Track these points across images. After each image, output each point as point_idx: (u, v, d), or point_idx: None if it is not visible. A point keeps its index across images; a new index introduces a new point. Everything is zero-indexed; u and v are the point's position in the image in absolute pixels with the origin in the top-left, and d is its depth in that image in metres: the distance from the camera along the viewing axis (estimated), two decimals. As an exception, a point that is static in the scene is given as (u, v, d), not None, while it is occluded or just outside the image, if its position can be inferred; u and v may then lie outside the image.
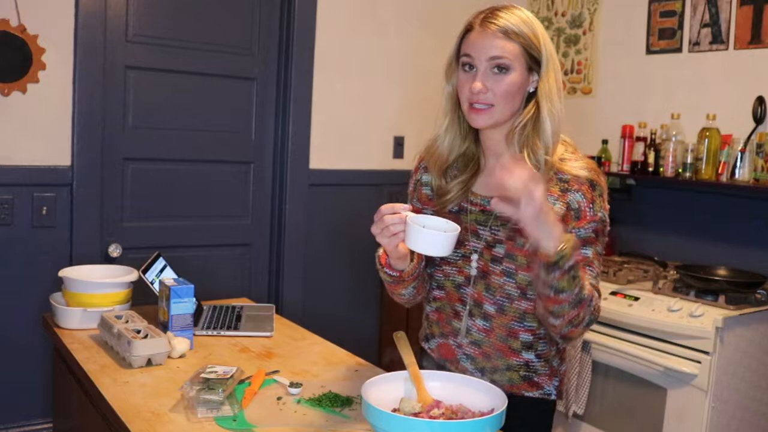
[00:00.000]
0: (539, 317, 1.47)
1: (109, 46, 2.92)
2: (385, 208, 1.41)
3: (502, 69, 1.44)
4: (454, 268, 1.57)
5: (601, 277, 1.59)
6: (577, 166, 1.48)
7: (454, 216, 1.55)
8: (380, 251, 1.55)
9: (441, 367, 1.59)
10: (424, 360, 1.68)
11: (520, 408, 1.51)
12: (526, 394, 1.56)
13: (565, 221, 1.44)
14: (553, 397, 1.58)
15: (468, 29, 1.48)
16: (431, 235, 1.36)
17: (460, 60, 1.50)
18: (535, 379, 1.55)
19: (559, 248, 1.28)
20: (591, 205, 1.45)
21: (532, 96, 1.50)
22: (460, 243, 1.51)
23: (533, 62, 1.47)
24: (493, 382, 1.47)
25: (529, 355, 1.54)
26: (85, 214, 2.88)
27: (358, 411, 1.47)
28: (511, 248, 1.48)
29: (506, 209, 1.28)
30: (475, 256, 1.53)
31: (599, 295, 1.45)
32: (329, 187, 3.48)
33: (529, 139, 1.47)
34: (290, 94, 3.32)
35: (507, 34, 1.44)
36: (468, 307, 1.55)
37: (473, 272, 1.54)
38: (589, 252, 1.45)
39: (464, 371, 1.57)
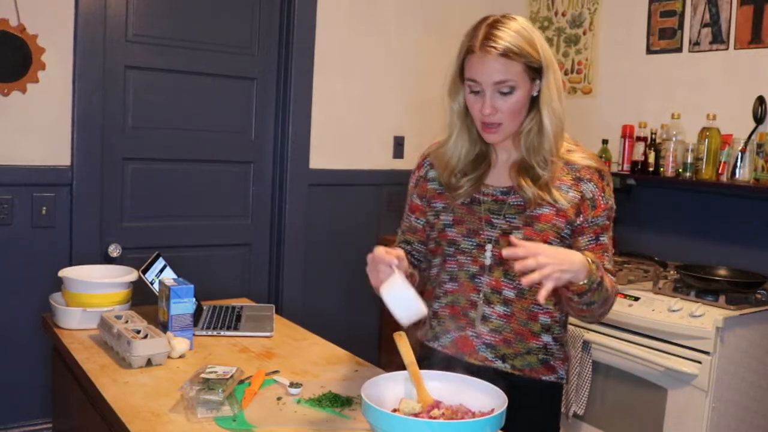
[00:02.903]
0: (569, 312, 1.59)
1: (108, 46, 2.92)
2: (378, 253, 1.44)
3: (508, 91, 1.48)
4: (468, 258, 1.59)
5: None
6: (585, 156, 1.59)
7: (467, 207, 1.59)
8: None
9: (453, 362, 1.59)
10: (430, 359, 1.67)
11: (537, 392, 1.61)
12: (543, 378, 1.61)
13: (581, 210, 1.55)
14: (564, 380, 1.66)
15: (469, 51, 1.49)
16: (406, 298, 1.38)
17: (466, 82, 1.52)
18: (551, 363, 1.62)
19: (588, 276, 1.42)
20: (603, 194, 1.57)
21: (535, 99, 1.54)
22: (474, 232, 1.58)
23: (535, 72, 1.50)
24: (513, 367, 1.59)
25: (547, 338, 1.60)
26: (84, 214, 2.88)
27: (358, 411, 1.47)
28: (531, 233, 1.54)
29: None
30: (489, 245, 1.57)
31: (614, 275, 1.58)
32: (329, 187, 3.48)
33: (534, 141, 1.54)
34: (290, 94, 3.32)
35: (508, 56, 1.45)
36: (483, 295, 1.58)
37: (488, 261, 1.57)
38: (605, 238, 1.58)
39: (483, 360, 1.59)
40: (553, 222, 1.54)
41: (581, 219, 1.55)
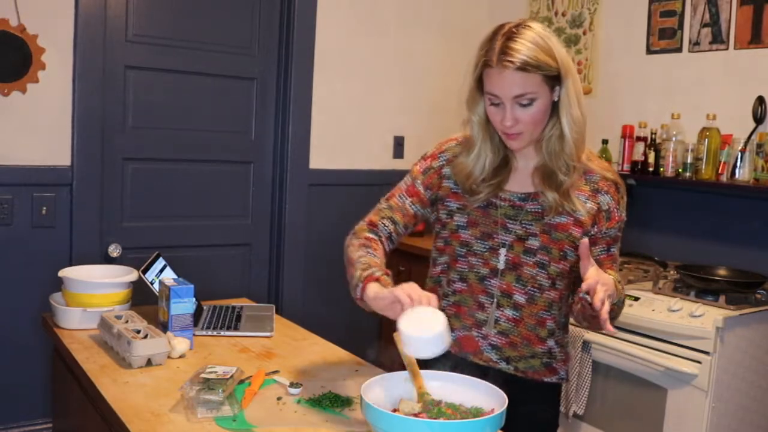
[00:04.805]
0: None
1: (108, 46, 2.92)
2: (409, 297, 1.38)
3: (528, 102, 1.48)
4: (480, 260, 1.60)
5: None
6: (602, 167, 1.61)
7: (482, 210, 1.60)
8: (365, 274, 1.48)
9: (455, 361, 1.59)
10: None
11: (539, 393, 1.63)
12: (545, 380, 1.63)
13: (597, 221, 1.58)
14: (564, 380, 1.67)
15: (486, 65, 1.48)
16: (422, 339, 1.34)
17: (486, 95, 1.52)
18: (554, 365, 1.63)
19: (618, 297, 1.48)
20: (618, 206, 1.60)
21: (557, 104, 1.53)
22: (488, 236, 1.58)
23: (554, 80, 1.49)
24: (516, 369, 1.60)
25: (551, 343, 1.62)
26: (85, 214, 2.88)
27: (358, 411, 1.47)
28: (547, 241, 1.55)
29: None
30: (503, 250, 1.57)
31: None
32: (329, 187, 3.48)
33: (556, 146, 1.54)
34: (290, 94, 3.32)
35: (526, 69, 1.44)
36: (495, 299, 1.58)
37: (501, 265, 1.58)
38: (615, 249, 1.62)
39: (488, 361, 1.60)
40: (570, 231, 1.55)
41: (596, 230, 1.57)
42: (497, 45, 1.46)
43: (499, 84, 1.47)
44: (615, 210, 1.59)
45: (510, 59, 1.43)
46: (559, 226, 1.55)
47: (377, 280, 1.47)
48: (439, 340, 1.34)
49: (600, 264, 1.57)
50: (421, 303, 1.36)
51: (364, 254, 1.56)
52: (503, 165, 1.61)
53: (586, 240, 1.42)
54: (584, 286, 1.36)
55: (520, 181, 1.61)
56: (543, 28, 1.50)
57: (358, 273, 1.50)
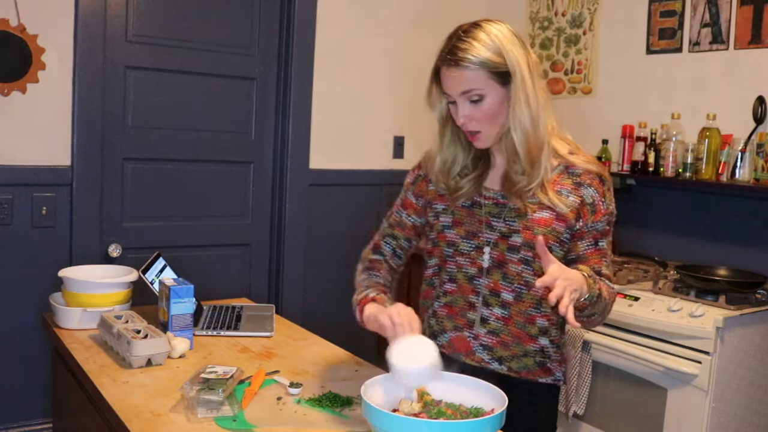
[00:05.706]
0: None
1: (109, 46, 2.92)
2: (391, 321, 1.45)
3: (477, 99, 1.49)
4: (467, 260, 1.60)
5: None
6: (586, 160, 1.59)
7: (467, 210, 1.60)
8: (361, 297, 1.60)
9: (450, 362, 1.59)
10: None
11: (535, 394, 1.62)
12: (540, 380, 1.62)
13: (581, 214, 1.55)
14: (561, 382, 1.66)
15: (438, 64, 1.52)
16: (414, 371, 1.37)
17: (444, 94, 1.55)
18: (548, 365, 1.62)
19: (589, 292, 1.43)
20: (603, 199, 1.57)
21: None
22: (473, 235, 1.59)
23: (506, 76, 1.49)
24: (509, 369, 1.59)
25: (544, 341, 1.61)
26: (84, 214, 2.88)
27: (358, 411, 1.47)
28: (530, 237, 1.54)
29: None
30: (487, 248, 1.57)
31: (611, 280, 1.59)
32: (329, 187, 3.48)
33: (511, 142, 1.53)
34: (290, 94, 3.32)
35: (468, 67, 1.47)
36: (482, 297, 1.59)
37: (486, 263, 1.58)
38: (604, 243, 1.59)
39: (480, 362, 1.60)
40: (552, 226, 1.54)
41: (581, 224, 1.56)
42: (446, 46, 1.50)
43: (447, 82, 1.50)
44: (600, 203, 1.56)
45: (452, 57, 1.47)
46: (541, 221, 1.54)
47: (373, 300, 1.56)
48: (425, 373, 1.36)
49: (587, 259, 1.57)
50: (402, 327, 1.42)
51: (366, 277, 1.67)
52: (479, 158, 1.62)
53: (540, 238, 1.40)
54: (538, 282, 1.36)
55: (499, 178, 1.61)
56: (500, 27, 1.50)
57: (355, 297, 1.62)
